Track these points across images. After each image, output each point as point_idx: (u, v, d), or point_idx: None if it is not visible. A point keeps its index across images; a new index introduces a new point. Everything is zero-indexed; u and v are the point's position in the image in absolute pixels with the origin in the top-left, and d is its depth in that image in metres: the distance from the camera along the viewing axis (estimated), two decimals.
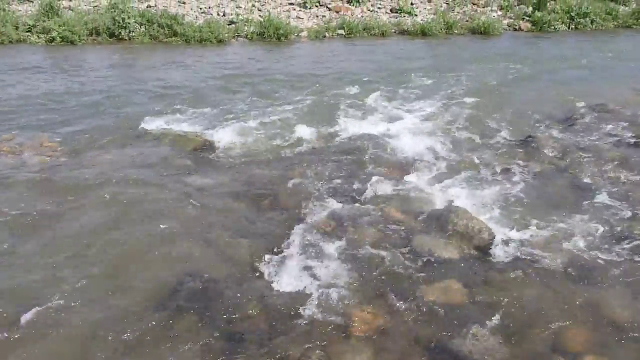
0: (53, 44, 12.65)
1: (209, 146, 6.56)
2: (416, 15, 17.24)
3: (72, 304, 3.66)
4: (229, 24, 15.19)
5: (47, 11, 13.53)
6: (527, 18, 17.37)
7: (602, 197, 5.35)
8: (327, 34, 15.32)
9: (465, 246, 4.46)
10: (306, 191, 5.32)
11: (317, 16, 16.76)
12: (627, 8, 18.57)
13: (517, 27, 17.02)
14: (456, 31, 16.23)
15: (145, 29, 13.81)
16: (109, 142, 6.53)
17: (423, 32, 15.66)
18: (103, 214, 4.73)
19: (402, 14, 17.22)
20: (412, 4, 18.03)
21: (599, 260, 4.31)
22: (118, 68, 10.60)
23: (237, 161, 6.19)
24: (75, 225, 4.59)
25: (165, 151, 6.33)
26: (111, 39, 13.42)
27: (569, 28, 17.15)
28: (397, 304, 3.76)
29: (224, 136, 6.75)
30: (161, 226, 4.61)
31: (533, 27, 16.89)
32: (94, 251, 4.24)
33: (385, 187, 5.44)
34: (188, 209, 4.95)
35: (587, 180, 5.80)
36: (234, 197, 5.24)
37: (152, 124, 7.09)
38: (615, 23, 17.64)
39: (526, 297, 3.87)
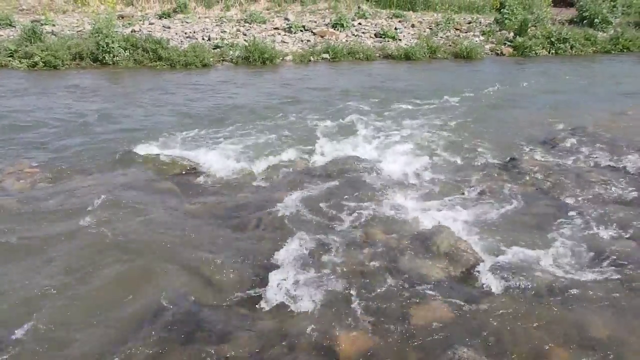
0: (36, 68, 12.68)
1: (194, 170, 6.59)
2: (400, 40, 17.62)
3: (51, 335, 3.60)
4: (214, 48, 15.38)
5: (29, 36, 13.59)
6: (509, 43, 17.84)
7: (583, 219, 5.43)
8: (312, 58, 15.57)
9: (451, 267, 4.49)
10: (291, 214, 5.33)
11: (302, 40, 17.04)
12: (605, 34, 19.18)
13: (499, 51, 17.46)
14: (439, 55, 16.60)
15: (130, 54, 13.91)
16: (92, 167, 6.53)
17: (407, 57, 16.00)
18: (84, 241, 4.68)
19: (386, 39, 17.59)
20: (395, 28, 18.44)
21: (581, 281, 4.36)
22: (102, 93, 10.62)
23: (222, 185, 6.20)
24: (55, 252, 4.52)
25: (149, 175, 6.33)
26: (95, 64, 13.49)
27: (549, 53, 17.65)
28: (384, 326, 3.77)
29: (209, 160, 6.77)
30: (144, 252, 4.59)
31: (515, 52, 17.35)
32: (74, 279, 4.17)
33: (370, 209, 5.47)
34: (172, 233, 4.93)
35: (568, 201, 5.90)
36: (218, 221, 5.23)
37: (136, 149, 7.10)
38: (594, 48, 18.21)
39: (511, 317, 3.90)
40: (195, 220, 5.25)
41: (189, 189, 6.05)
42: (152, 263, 4.43)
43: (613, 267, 4.57)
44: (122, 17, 18.38)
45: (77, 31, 16.30)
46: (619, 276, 4.45)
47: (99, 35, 13.66)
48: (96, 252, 4.54)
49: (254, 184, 6.27)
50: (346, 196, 5.80)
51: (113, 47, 13.60)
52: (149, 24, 17.70)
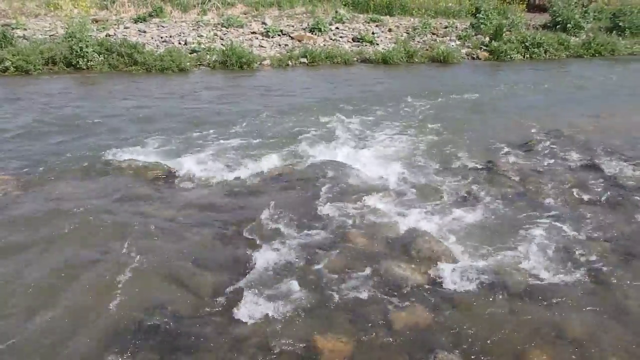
0: (6, 74, 12.43)
1: (171, 176, 6.54)
2: (377, 44, 17.75)
3: (27, 345, 3.54)
4: (190, 53, 15.28)
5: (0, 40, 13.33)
6: (485, 47, 18.12)
7: (560, 220, 5.53)
8: (290, 62, 15.58)
9: (430, 271, 4.53)
10: (269, 219, 5.32)
11: (279, 45, 17.04)
12: (577, 39, 19.62)
13: (475, 56, 17.72)
14: (417, 59, 16.77)
15: (105, 58, 13.74)
16: (66, 174, 6.41)
17: (385, 61, 16.13)
18: (58, 249, 4.62)
19: (364, 43, 17.71)
20: (373, 33, 18.58)
21: (558, 282, 4.43)
22: (76, 98, 10.46)
23: (199, 191, 6.16)
24: (30, 261, 4.45)
25: (125, 182, 6.26)
26: (68, 69, 13.28)
27: (524, 57, 17.96)
28: (364, 331, 3.77)
29: (186, 166, 6.74)
30: (121, 259, 4.52)
31: (490, 56, 17.63)
32: (50, 288, 4.11)
33: (349, 214, 5.50)
34: (149, 241, 4.87)
35: (545, 202, 5.99)
36: (195, 228, 5.19)
37: (112, 155, 7.01)
38: (567, 53, 18.60)
39: (490, 319, 3.94)
40: (173, 226, 5.20)
41: (166, 195, 5.99)
42: (127, 271, 4.35)
43: (588, 268, 4.64)
44: (96, 21, 18.14)
45: (50, 35, 16.03)
46: (594, 277, 4.54)
47: (72, 40, 13.46)
48: (69, 262, 4.47)
49: (233, 189, 6.22)
50: (326, 201, 5.80)
51: (87, 52, 13.41)
52: (124, 28, 17.51)
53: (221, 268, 4.51)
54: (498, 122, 9.53)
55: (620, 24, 20.75)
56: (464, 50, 18.03)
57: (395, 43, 17.64)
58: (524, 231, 5.27)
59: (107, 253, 4.62)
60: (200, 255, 4.70)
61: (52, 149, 7.33)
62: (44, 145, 7.44)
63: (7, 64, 12.52)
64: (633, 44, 19.72)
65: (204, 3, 21.06)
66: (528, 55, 17.99)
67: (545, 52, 18.09)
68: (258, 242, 4.92)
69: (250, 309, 3.97)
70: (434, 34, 19.52)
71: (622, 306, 4.14)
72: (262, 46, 16.80)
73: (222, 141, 7.81)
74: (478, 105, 10.82)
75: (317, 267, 4.52)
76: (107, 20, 18.55)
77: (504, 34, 18.39)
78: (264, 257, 4.62)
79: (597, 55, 18.73)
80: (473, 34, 19.36)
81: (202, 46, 15.84)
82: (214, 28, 18.03)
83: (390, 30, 19.49)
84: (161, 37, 16.77)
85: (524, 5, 24.31)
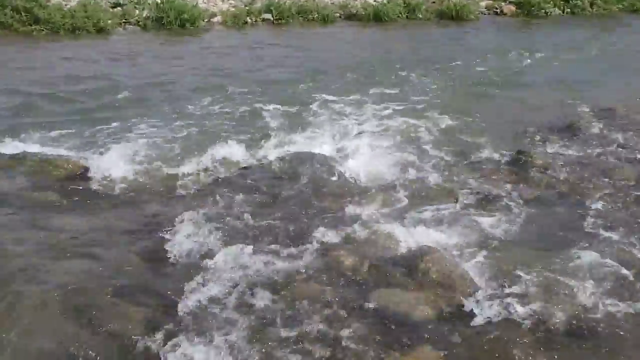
0: None
1: (84, 175, 6.50)
2: None
3: None
4: (113, 7, 15.08)
5: None
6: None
7: (615, 230, 5.51)
8: (249, 20, 15.49)
9: (441, 301, 4.50)
10: (223, 232, 5.28)
11: None
12: None
13: (498, 10, 17.85)
14: (420, 16, 16.80)
15: None
16: None
17: (377, 18, 16.12)
18: None
19: None
20: None
21: (610, 314, 4.40)
22: None
23: (123, 195, 6.13)
24: None
25: (22, 182, 6.18)
26: None
27: (563, 12, 18.14)
28: None
29: (106, 161, 6.70)
30: (16, 289, 4.38)
31: (519, 11, 17.76)
32: None
33: (334, 225, 5.45)
34: (53, 264, 4.74)
35: (593, 208, 5.98)
36: (118, 245, 5.13)
37: (3, 146, 6.98)
38: (621, 6, 18.79)
39: None
40: (85, 242, 5.13)
41: (78, 201, 5.96)
42: (26, 307, 4.23)
43: None
44: None
45: None
46: None
47: None
48: None
49: (171, 191, 6.23)
50: (301, 207, 5.80)
51: None
52: None
53: (151, 301, 4.40)
54: (531, 98, 9.57)
55: None
56: (483, 3, 18.14)
57: None
58: (565, 247, 5.25)
59: None
60: (120, 281, 4.58)
61: None
62: None
63: None
64: None
65: None
66: (569, 10, 18.18)
67: (591, 6, 18.30)
68: (202, 263, 4.81)
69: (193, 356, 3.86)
70: None
71: None
72: None
73: (157, 128, 7.78)
74: (503, 77, 10.84)
75: (289, 296, 4.44)
76: None
77: None
78: (213, 285, 4.54)
79: None
80: None
81: None
82: None
83: None
84: None
85: None
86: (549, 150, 7.37)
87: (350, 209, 5.84)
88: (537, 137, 7.78)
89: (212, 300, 4.40)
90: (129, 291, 4.49)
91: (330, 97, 9.22)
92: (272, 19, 15.68)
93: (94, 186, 6.30)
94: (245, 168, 6.78)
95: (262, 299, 4.43)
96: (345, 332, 4.12)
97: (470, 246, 5.25)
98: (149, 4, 15.22)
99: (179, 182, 6.45)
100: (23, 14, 13.57)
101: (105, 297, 4.39)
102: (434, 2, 17.47)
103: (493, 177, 6.62)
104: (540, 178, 6.60)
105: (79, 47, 12.15)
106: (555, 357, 4.00)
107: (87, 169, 6.58)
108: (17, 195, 5.89)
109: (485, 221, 5.69)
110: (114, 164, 6.64)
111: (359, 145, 7.30)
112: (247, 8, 15.89)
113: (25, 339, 3.97)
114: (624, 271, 4.86)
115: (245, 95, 9.25)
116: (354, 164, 6.81)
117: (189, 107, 8.69)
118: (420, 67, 11.15)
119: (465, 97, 9.48)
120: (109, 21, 14.07)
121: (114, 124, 7.89)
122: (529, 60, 12.08)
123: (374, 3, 16.92)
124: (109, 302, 4.33)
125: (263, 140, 7.46)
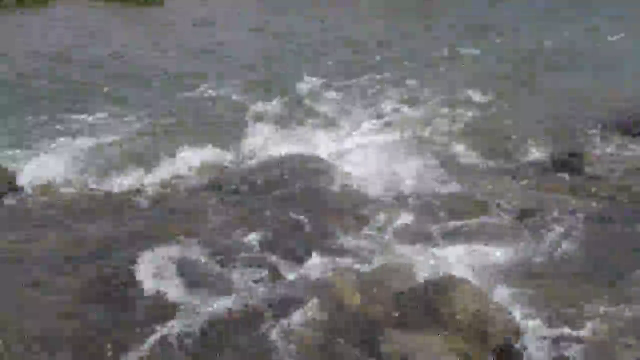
0: None
1: (10, 186, 6.34)
2: None
3: None
4: None
5: None
6: None
7: None
8: None
9: (473, 348, 4.17)
10: (192, 257, 5.04)
11: None
12: None
13: None
14: None
15: None
16: None
17: None
18: None
19: None
20: None
21: None
22: None
23: (60, 211, 5.96)
24: None
25: None
26: None
27: None
28: None
29: (36, 169, 6.62)
30: None
31: None
32: None
33: (333, 248, 5.27)
34: None
35: None
36: (53, 275, 4.87)
37: None
38: None
39: None
40: (12, 273, 4.90)
41: (2, 218, 5.86)
42: None
43: None
44: None
45: None
46: None
47: None
48: None
49: (119, 206, 6.09)
50: (292, 223, 5.65)
51: None
52: None
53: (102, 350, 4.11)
54: (587, 88, 9.28)
55: None
56: None
57: None
58: (632, 274, 4.91)
59: None
60: (57, 323, 4.31)
61: None
62: None
63: None
64: None
65: None
66: None
67: None
68: (163, 301, 4.54)
69: None
70: None
71: None
72: None
73: (107, 123, 7.92)
74: (549, 57, 10.67)
75: (276, 340, 4.14)
76: None
77: None
78: (175, 329, 4.23)
79: None
80: None
81: None
82: None
83: None
84: None
85: None
86: (609, 152, 7.13)
87: (354, 226, 5.61)
88: (592, 135, 7.57)
89: (183, 347, 4.11)
90: (62, 332, 4.24)
91: (327, 80, 9.24)
92: None
93: (21, 200, 6.17)
94: (223, 174, 6.61)
95: (246, 341, 4.18)
96: None
97: (508, 275, 4.96)
98: None
99: (130, 194, 6.29)
100: None
101: (28, 343, 4.13)
102: None
103: (537, 185, 6.42)
104: (597, 187, 6.32)
105: (9, 20, 12.42)
106: None
107: (12, 179, 6.46)
108: None
109: (529, 242, 5.39)
110: (45, 172, 6.57)
111: (365, 144, 7.39)
112: None
113: None
114: None
115: (221, 77, 9.28)
116: (358, 168, 6.62)
117: (148, 94, 8.97)
118: (441, 41, 11.13)
119: (501, 81, 9.21)
120: None
121: (42, 122, 7.93)
122: (580, 36, 11.83)
123: None
124: (35, 348, 4.09)
125: (242, 138, 7.41)
